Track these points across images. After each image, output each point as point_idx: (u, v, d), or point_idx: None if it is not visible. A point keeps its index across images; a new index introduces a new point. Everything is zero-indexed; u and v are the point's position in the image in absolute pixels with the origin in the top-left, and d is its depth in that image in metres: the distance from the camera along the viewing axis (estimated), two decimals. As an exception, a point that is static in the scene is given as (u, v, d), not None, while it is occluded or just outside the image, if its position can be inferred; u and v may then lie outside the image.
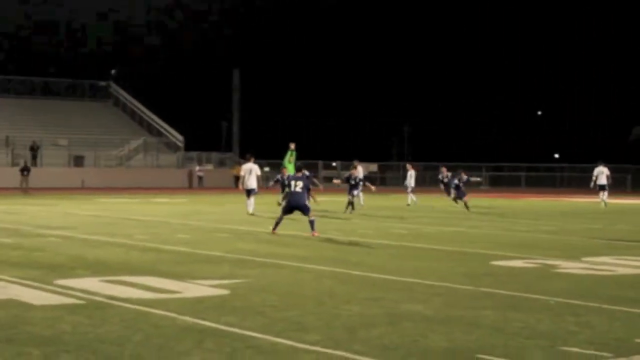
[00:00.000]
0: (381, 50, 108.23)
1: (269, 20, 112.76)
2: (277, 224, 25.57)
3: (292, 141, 39.67)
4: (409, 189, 47.63)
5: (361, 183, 40.02)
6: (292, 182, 25.36)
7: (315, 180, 37.27)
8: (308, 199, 27.13)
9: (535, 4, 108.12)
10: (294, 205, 25.26)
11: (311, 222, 25.21)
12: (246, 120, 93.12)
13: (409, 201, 46.82)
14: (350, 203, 38.73)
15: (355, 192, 39.56)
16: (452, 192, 42.75)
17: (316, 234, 24.90)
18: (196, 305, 12.76)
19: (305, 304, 13.09)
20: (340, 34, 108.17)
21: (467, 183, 42.48)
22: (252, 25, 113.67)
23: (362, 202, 42.43)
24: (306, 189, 25.70)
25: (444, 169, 48.49)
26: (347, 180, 40.17)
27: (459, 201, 41.56)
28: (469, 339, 10.71)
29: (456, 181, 41.60)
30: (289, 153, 39.62)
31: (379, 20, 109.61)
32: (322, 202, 40.14)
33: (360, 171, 42.06)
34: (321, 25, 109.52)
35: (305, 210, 25.26)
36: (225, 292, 14.07)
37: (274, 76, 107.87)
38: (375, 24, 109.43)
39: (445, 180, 47.08)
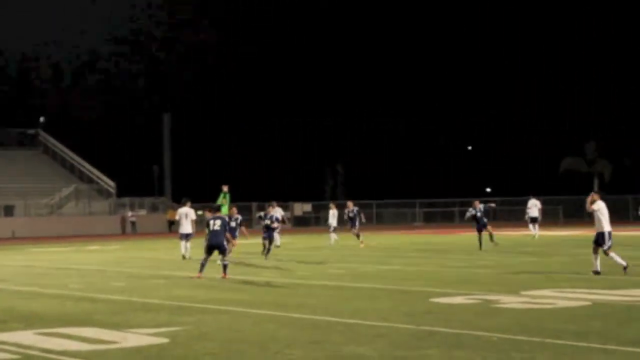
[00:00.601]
0: (306, 86, 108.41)
1: (196, 65, 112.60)
2: (202, 266, 25.38)
3: (225, 183, 39.48)
4: (331, 229, 46.91)
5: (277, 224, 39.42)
6: (211, 222, 25.19)
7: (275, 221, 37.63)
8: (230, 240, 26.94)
9: (462, 40, 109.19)
10: (213, 244, 25.08)
11: (224, 266, 25.43)
12: (178, 164, 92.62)
13: (332, 241, 46.04)
14: (265, 246, 36.94)
15: (265, 235, 37.82)
16: (474, 223, 39.33)
17: (226, 276, 25.05)
18: (135, 356, 12.48)
19: (247, 350, 12.87)
20: (264, 80, 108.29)
21: (487, 211, 39.50)
22: (181, 69, 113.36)
23: (277, 243, 41.42)
24: (224, 229, 25.55)
25: (350, 203, 46.80)
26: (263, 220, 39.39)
27: (483, 232, 38.61)
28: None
29: (472, 211, 38.77)
30: (221, 195, 39.44)
31: (295, 60, 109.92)
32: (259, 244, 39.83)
33: (277, 211, 41.55)
34: (245, 72, 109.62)
35: (222, 250, 25.20)
36: (164, 340, 13.80)
37: (205, 118, 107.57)
38: (291, 65, 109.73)
39: (351, 215, 45.43)
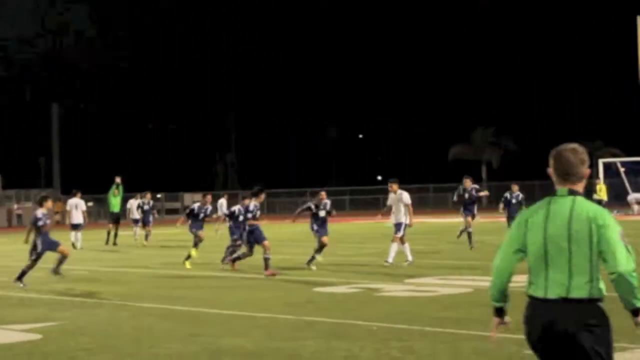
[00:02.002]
0: (197, 75, 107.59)
1: (84, 54, 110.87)
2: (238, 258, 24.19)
3: (118, 175, 39.04)
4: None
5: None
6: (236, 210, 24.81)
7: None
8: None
9: (356, 30, 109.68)
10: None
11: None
12: (67, 155, 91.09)
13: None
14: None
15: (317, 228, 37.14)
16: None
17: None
18: (5, 353, 12.10)
19: (121, 345, 12.58)
20: (174, 73, 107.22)
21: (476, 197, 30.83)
22: (68, 61, 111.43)
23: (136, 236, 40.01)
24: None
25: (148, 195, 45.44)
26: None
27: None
28: (290, 372, 10.45)
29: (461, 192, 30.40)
30: (113, 187, 38.93)
31: (192, 58, 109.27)
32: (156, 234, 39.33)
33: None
34: (146, 59, 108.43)
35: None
36: (37, 336, 13.41)
37: (95, 108, 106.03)
38: (190, 63, 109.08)
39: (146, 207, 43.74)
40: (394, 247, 23.55)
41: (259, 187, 23.60)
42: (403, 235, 23.74)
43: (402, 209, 24.21)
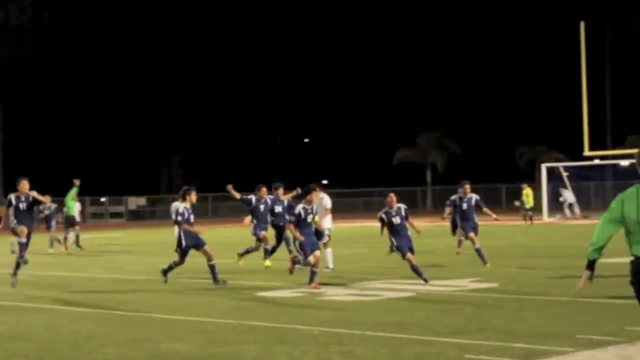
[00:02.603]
0: (141, 78, 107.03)
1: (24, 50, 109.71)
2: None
3: (78, 177, 38.53)
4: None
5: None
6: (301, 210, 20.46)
7: None
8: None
9: (295, 33, 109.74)
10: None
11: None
12: (9, 156, 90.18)
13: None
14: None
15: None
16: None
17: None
18: (-60, 360, 11.90)
19: (60, 350, 12.44)
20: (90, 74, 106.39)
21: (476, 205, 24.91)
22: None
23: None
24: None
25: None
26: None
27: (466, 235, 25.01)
28: (231, 377, 10.38)
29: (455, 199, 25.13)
30: (73, 190, 38.40)
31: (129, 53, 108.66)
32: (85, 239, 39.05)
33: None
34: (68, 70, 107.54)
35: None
36: (-26, 342, 13.21)
37: (38, 109, 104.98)
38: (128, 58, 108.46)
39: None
40: (329, 252, 23.40)
41: (186, 187, 21.06)
42: (327, 241, 23.36)
43: (325, 213, 24.07)
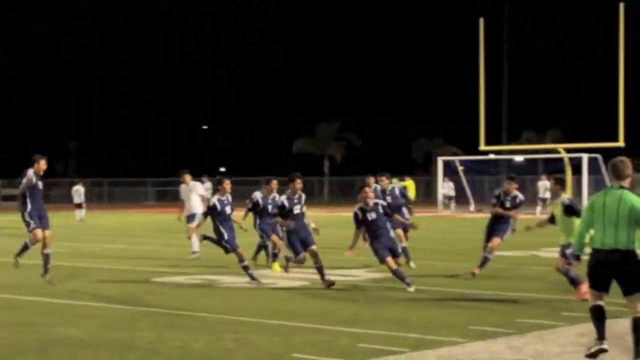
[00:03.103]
0: (36, 66, 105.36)
1: None
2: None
3: None
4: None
5: None
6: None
7: None
8: None
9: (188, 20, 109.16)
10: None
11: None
12: None
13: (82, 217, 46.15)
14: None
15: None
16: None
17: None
18: None
19: (-52, 333, 12.17)
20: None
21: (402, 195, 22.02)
22: None
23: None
24: None
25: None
26: None
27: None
28: (123, 363, 10.30)
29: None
30: None
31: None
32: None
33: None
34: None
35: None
36: None
37: None
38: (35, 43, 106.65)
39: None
40: (194, 238, 22.94)
41: (219, 177, 20.23)
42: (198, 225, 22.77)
43: (194, 199, 23.89)
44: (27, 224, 18.26)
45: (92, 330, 12.36)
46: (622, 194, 10.03)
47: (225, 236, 18.04)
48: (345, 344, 11.26)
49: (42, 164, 18.13)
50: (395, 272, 16.56)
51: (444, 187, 56.63)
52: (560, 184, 15.78)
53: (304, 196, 17.95)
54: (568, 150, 54.88)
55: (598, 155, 51.31)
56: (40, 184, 18.33)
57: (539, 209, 49.83)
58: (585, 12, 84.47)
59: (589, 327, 11.90)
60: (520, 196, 19.22)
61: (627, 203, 9.96)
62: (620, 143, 47.96)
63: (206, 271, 20.12)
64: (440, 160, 58.24)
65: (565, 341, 11.41)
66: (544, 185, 50.38)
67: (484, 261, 18.41)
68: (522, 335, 11.79)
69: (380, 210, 16.91)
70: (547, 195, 48.80)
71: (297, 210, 17.53)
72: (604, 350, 10.09)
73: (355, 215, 16.88)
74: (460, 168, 58.99)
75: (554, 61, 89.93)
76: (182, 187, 24.64)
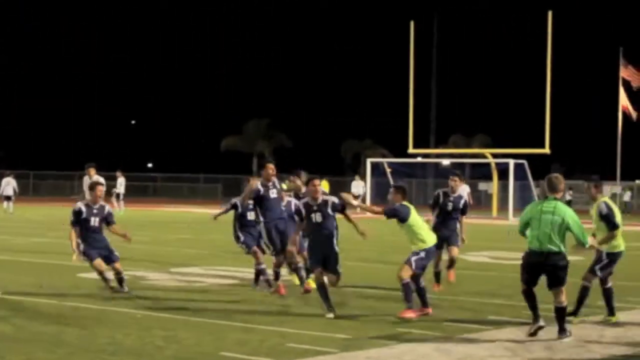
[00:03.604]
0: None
1: None
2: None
3: None
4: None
5: None
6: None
7: None
8: None
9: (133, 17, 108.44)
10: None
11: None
12: None
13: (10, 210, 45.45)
14: None
15: None
16: None
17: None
18: None
19: None
20: None
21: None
22: None
23: None
24: None
25: None
26: None
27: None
28: (51, 358, 10.21)
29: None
30: None
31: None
32: None
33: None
34: None
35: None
36: None
37: None
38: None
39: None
40: None
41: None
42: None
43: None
44: None
45: (20, 325, 12.26)
46: (556, 205, 12.05)
47: (242, 238, 16.53)
48: (275, 343, 11.30)
49: None
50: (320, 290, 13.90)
51: (355, 186, 56.07)
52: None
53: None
54: (495, 156, 55.53)
55: (524, 161, 51.95)
56: None
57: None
58: (515, 19, 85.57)
59: (516, 332, 12.14)
60: (466, 196, 17.83)
61: (560, 213, 11.97)
62: (546, 150, 48.68)
63: (133, 267, 19.99)
64: (368, 162, 58.46)
65: (493, 344, 11.56)
66: (463, 189, 50.61)
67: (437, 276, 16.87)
68: (450, 338, 11.92)
69: (329, 210, 14.01)
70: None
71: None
72: (541, 327, 11.86)
73: (298, 211, 14.23)
74: (388, 170, 59.27)
75: (483, 66, 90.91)
76: (85, 179, 24.51)
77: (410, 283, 13.48)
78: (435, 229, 16.16)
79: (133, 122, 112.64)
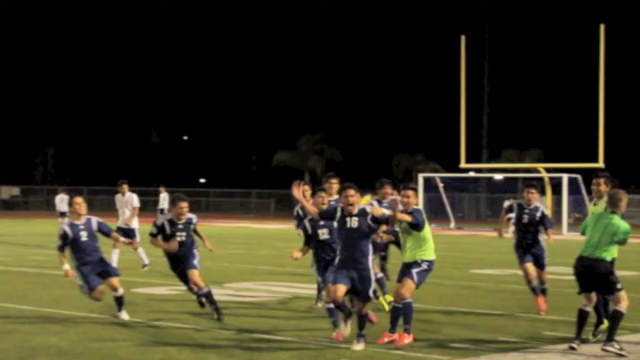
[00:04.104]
0: (19, 70, 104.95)
1: None
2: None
3: None
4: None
5: None
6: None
7: None
8: None
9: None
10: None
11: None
12: None
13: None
14: None
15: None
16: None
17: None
18: None
19: None
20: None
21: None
22: None
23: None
24: None
25: None
26: None
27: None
28: (106, 373, 10.28)
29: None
30: None
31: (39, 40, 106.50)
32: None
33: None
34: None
35: None
36: None
37: None
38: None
39: None
40: (116, 253, 22.32)
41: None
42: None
43: (127, 212, 23.56)
44: None
45: (74, 340, 12.33)
46: (612, 217, 12.30)
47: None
48: (330, 359, 11.25)
49: None
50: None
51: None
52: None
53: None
54: (548, 170, 55.15)
55: (578, 176, 51.55)
56: None
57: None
58: (567, 32, 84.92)
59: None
60: (543, 208, 16.04)
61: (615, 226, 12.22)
62: (600, 164, 48.21)
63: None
64: (420, 177, 58.31)
65: (548, 361, 11.45)
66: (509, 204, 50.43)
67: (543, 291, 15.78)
68: (504, 354, 11.81)
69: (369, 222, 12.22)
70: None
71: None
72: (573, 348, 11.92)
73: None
74: (440, 185, 59.07)
75: (535, 80, 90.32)
76: (118, 197, 24.27)
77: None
78: (517, 246, 15.78)
79: (185, 137, 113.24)
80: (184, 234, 14.54)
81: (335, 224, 12.48)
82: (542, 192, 52.51)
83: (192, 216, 14.80)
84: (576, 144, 67.38)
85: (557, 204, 54.14)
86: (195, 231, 14.79)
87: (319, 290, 15.29)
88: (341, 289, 11.92)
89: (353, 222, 12.05)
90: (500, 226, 16.70)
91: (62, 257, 14.37)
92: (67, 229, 14.43)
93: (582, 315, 12.20)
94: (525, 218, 15.76)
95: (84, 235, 14.49)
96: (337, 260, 12.25)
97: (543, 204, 16.20)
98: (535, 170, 58.55)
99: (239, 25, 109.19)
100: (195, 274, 14.60)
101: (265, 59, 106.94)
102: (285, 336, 12.96)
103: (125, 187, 23.87)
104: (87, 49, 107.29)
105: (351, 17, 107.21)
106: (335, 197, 14.43)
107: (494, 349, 12.13)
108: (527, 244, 15.75)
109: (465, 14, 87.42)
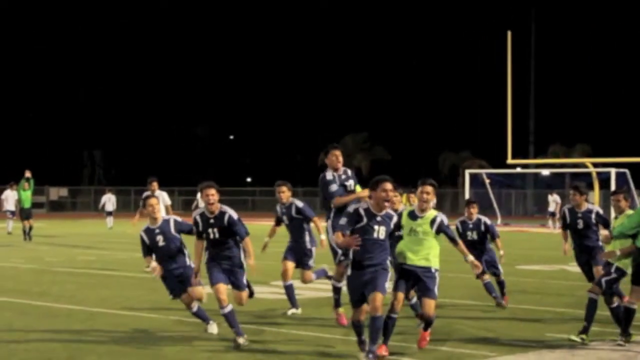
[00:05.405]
0: (61, 69, 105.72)
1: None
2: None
3: (28, 169, 38.22)
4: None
5: None
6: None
7: None
8: None
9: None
10: None
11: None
12: None
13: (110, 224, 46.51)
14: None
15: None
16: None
17: None
18: None
19: (-21, 340, 12.24)
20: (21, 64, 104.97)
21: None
22: None
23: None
24: None
25: None
26: None
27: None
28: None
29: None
30: (23, 181, 37.82)
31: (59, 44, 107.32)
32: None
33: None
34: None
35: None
36: None
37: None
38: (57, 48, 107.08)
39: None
40: None
41: None
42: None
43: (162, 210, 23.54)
44: None
45: (121, 340, 12.39)
46: None
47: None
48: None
49: None
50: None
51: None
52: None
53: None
54: (596, 165, 54.70)
55: (626, 170, 51.10)
56: None
57: (550, 223, 49.61)
58: (613, 26, 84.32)
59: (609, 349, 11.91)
60: (596, 208, 14.84)
61: None
62: (649, 158, 47.77)
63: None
64: (467, 173, 58.08)
65: (596, 357, 11.36)
66: (554, 199, 50.19)
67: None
68: (552, 351, 11.74)
69: (390, 224, 11.31)
70: (555, 209, 48.61)
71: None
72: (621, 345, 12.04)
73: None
74: (487, 181, 58.83)
75: (582, 75, 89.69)
76: (146, 194, 24.10)
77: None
78: (576, 256, 14.90)
79: (231, 137, 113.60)
80: (216, 230, 12.83)
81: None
82: (590, 187, 52.17)
83: (229, 210, 13.18)
84: (624, 139, 66.96)
85: (605, 199, 53.68)
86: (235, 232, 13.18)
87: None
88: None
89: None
90: (564, 245, 15.23)
91: (147, 259, 12.89)
92: (143, 235, 12.90)
93: (628, 312, 12.29)
94: (580, 223, 14.64)
95: (160, 240, 12.78)
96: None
97: (595, 205, 15.16)
98: (583, 165, 58.11)
99: (285, 25, 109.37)
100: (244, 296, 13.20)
101: (312, 59, 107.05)
102: (334, 334, 12.93)
103: (155, 184, 23.56)
104: (136, 51, 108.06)
105: (398, 14, 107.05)
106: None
107: (542, 345, 12.06)
108: (585, 252, 14.78)
109: (511, 9, 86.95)
